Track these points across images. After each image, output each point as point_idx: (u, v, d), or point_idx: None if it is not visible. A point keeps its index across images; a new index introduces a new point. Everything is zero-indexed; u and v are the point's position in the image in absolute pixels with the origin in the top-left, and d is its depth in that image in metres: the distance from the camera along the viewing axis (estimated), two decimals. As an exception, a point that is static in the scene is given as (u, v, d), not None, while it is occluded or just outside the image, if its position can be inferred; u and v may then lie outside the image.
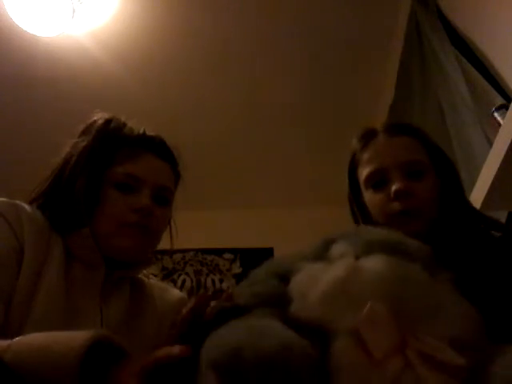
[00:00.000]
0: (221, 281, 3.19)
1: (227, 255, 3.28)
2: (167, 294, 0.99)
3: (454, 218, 0.90)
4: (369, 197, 0.95)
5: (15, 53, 2.30)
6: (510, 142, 1.14)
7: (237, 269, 3.24)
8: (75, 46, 2.31)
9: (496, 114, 1.36)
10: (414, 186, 0.89)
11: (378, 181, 0.92)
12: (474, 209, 0.99)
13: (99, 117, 0.93)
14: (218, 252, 3.28)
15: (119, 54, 2.37)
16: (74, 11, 2.10)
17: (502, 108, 1.34)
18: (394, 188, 0.88)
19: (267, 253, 3.27)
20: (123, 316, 0.87)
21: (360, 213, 1.00)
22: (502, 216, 1.36)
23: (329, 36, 2.36)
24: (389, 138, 0.97)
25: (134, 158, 0.89)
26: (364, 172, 0.95)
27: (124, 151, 0.90)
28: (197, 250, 3.25)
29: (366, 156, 0.96)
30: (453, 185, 0.95)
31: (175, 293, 1.02)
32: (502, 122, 1.31)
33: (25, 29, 2.11)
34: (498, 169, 1.19)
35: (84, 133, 0.92)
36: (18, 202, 0.84)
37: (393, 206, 0.89)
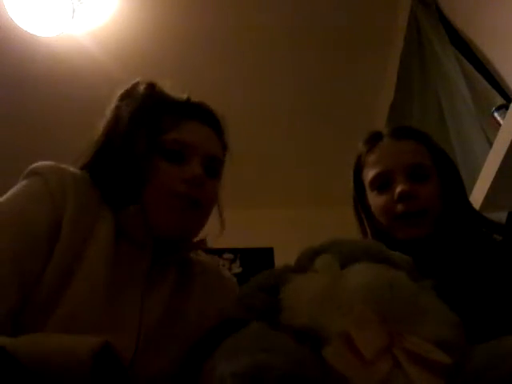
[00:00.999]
0: (221, 281, 3.19)
1: (227, 255, 3.28)
2: (221, 280, 0.92)
3: (456, 220, 0.92)
4: (373, 198, 0.96)
5: (15, 53, 2.30)
6: (510, 141, 1.14)
7: (237, 269, 3.24)
8: (75, 46, 2.31)
9: (496, 114, 1.36)
10: (417, 189, 0.91)
11: (382, 183, 0.94)
12: (475, 211, 1.01)
13: (141, 81, 0.88)
14: (218, 252, 3.28)
15: (119, 53, 2.37)
16: (73, 11, 2.10)
17: (502, 108, 1.34)
18: (397, 190, 0.90)
19: (267, 253, 3.27)
20: (167, 305, 0.79)
21: (364, 214, 1.01)
22: (501, 216, 1.36)
23: (329, 36, 2.36)
24: (394, 141, 0.98)
25: (180, 124, 0.83)
26: (369, 174, 0.97)
27: (169, 118, 0.83)
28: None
29: (371, 158, 0.98)
30: (455, 188, 0.96)
31: (229, 279, 0.95)
32: (501, 121, 1.31)
33: (25, 29, 2.11)
34: (498, 169, 1.19)
35: (126, 97, 0.85)
36: (66, 166, 0.77)
37: (396, 207, 0.91)
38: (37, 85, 2.43)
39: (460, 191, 0.98)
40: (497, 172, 1.20)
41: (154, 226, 0.78)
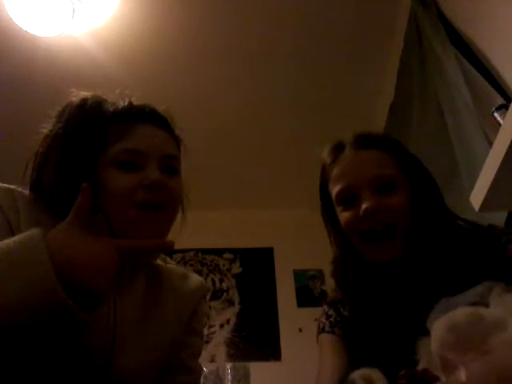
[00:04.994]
0: (221, 281, 3.19)
1: (227, 255, 3.28)
2: (187, 280, 0.94)
3: (429, 229, 0.87)
4: (340, 214, 0.93)
5: (15, 53, 2.30)
6: (509, 142, 1.14)
7: (237, 269, 3.25)
8: (75, 46, 2.31)
9: (496, 114, 1.36)
10: (384, 201, 0.87)
11: (347, 198, 0.91)
12: (452, 215, 0.94)
13: (75, 98, 0.86)
14: (218, 252, 3.28)
15: (119, 53, 2.37)
16: (73, 11, 2.10)
17: (502, 108, 1.34)
18: (363, 207, 0.86)
19: (267, 253, 3.27)
20: (139, 306, 0.82)
21: (332, 228, 0.99)
22: (501, 216, 1.36)
23: (329, 36, 2.36)
24: (356, 152, 0.93)
25: (128, 133, 0.81)
26: (334, 189, 0.94)
27: (114, 128, 0.81)
28: (197, 250, 3.25)
29: (335, 172, 0.95)
30: (427, 194, 0.91)
31: (195, 279, 0.97)
32: (501, 121, 1.31)
33: (25, 29, 2.11)
34: (498, 169, 1.19)
35: (58, 116, 0.85)
36: (16, 188, 0.78)
37: (362, 224, 0.88)
38: (37, 85, 2.43)
39: (434, 199, 0.91)
40: (497, 172, 1.20)
41: (118, 235, 0.77)
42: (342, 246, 0.96)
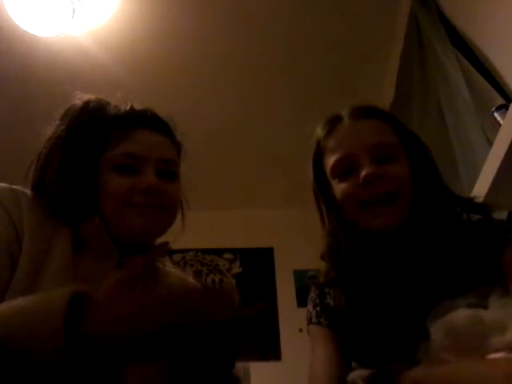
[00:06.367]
0: (221, 281, 3.19)
1: (227, 255, 3.28)
2: (185, 282, 0.95)
3: (430, 205, 0.83)
4: (336, 186, 0.87)
5: (15, 53, 2.30)
6: (510, 141, 1.14)
7: (237, 269, 3.25)
8: (75, 46, 2.31)
9: (496, 114, 1.36)
10: (385, 170, 0.82)
11: (345, 169, 0.85)
12: (451, 193, 0.90)
13: (78, 100, 0.87)
14: (218, 252, 3.28)
15: (119, 53, 2.37)
16: (74, 11, 2.10)
17: (502, 108, 1.34)
18: (362, 174, 0.81)
19: (267, 253, 3.27)
20: None
21: (326, 206, 0.93)
22: (501, 216, 1.36)
23: (329, 36, 2.36)
24: (354, 121, 0.89)
25: (128, 137, 0.82)
26: (330, 160, 0.87)
27: (115, 131, 0.83)
28: (197, 250, 3.25)
29: (331, 143, 0.88)
30: (427, 170, 0.87)
31: (192, 283, 0.97)
32: (501, 121, 1.31)
33: (25, 29, 2.11)
34: (498, 169, 1.19)
35: (61, 119, 0.86)
36: (19, 187, 0.78)
37: (362, 193, 0.82)
38: (37, 85, 2.43)
39: (432, 173, 0.88)
40: (497, 172, 1.20)
41: (116, 233, 0.79)
42: (337, 222, 0.90)
